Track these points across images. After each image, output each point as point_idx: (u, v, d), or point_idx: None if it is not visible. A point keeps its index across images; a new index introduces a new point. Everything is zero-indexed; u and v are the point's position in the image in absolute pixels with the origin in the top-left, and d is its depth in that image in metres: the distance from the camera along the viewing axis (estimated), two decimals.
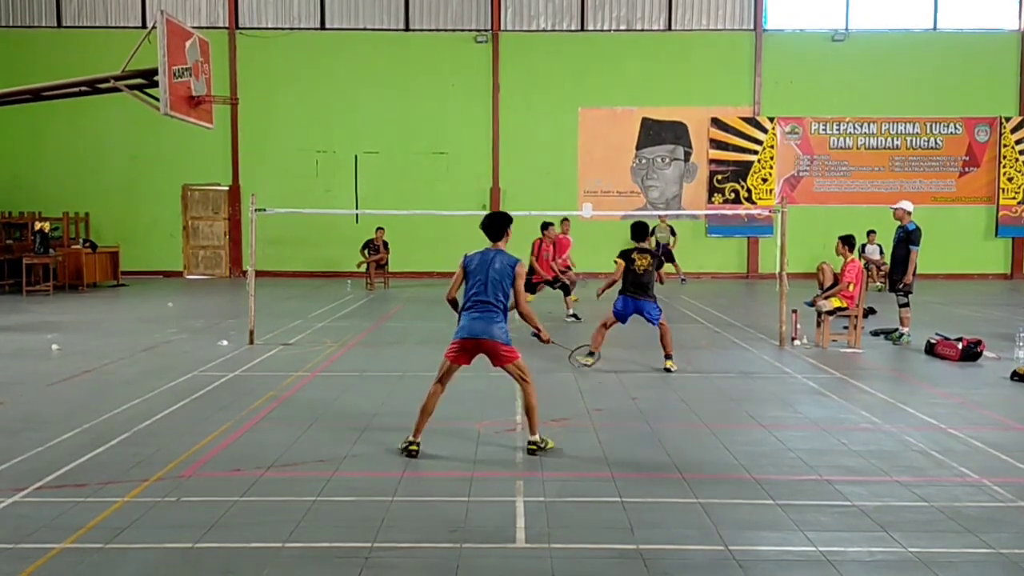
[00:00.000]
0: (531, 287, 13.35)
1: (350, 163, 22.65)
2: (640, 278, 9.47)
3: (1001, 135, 22.52)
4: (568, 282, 13.93)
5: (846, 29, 22.55)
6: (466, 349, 6.20)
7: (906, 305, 11.49)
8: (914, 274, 11.45)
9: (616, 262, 9.63)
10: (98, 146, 22.54)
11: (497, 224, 6.44)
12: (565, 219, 14.31)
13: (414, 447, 6.11)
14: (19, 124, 21.76)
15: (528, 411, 6.23)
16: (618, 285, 9.74)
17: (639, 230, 9.68)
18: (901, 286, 11.47)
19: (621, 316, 9.66)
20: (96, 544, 4.49)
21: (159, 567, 4.24)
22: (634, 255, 9.50)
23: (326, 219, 22.09)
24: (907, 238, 11.49)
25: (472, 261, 6.28)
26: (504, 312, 6.21)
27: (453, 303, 6.39)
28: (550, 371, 9.42)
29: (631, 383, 8.81)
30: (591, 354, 9.61)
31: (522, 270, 6.27)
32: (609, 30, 22.71)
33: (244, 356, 10.32)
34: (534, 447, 6.17)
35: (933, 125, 22.66)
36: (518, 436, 6.69)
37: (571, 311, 13.66)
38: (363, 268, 19.27)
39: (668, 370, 9.41)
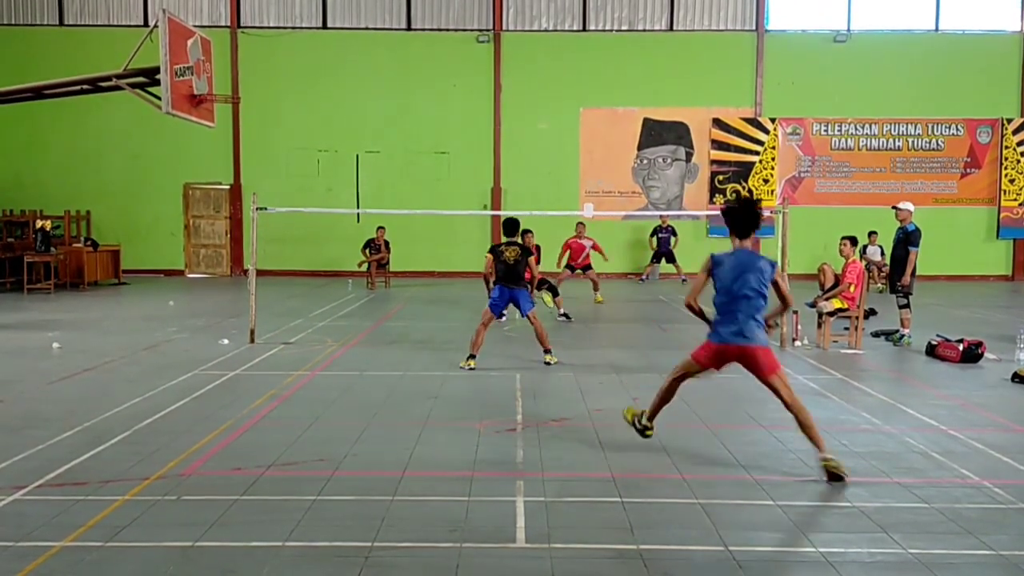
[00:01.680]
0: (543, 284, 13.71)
1: (351, 162, 22.64)
2: (512, 268, 9.86)
3: (1003, 136, 22.48)
4: (556, 282, 14.57)
5: (848, 30, 22.50)
6: (725, 357, 5.82)
7: (906, 306, 11.47)
8: (913, 275, 11.43)
9: (485, 257, 10.17)
10: (100, 144, 22.52)
11: (749, 216, 5.73)
12: (528, 231, 13.58)
13: (649, 431, 6.22)
14: (21, 122, 21.74)
15: (806, 429, 5.66)
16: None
17: (509, 226, 10.14)
18: (899, 287, 11.46)
19: (496, 306, 9.91)
20: (96, 542, 4.49)
21: (159, 565, 4.24)
22: (501, 247, 9.95)
23: (327, 218, 22.08)
24: (906, 239, 11.47)
25: (723, 262, 5.75)
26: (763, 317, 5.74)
27: (694, 309, 5.88)
28: (551, 371, 9.44)
29: (631, 383, 8.80)
30: (471, 356, 9.55)
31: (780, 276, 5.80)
32: (611, 30, 22.68)
33: (245, 355, 10.32)
34: (835, 469, 5.49)
35: (934, 126, 22.64)
36: (518, 436, 6.69)
37: (562, 311, 13.79)
38: (364, 267, 19.25)
39: (548, 363, 9.69)
